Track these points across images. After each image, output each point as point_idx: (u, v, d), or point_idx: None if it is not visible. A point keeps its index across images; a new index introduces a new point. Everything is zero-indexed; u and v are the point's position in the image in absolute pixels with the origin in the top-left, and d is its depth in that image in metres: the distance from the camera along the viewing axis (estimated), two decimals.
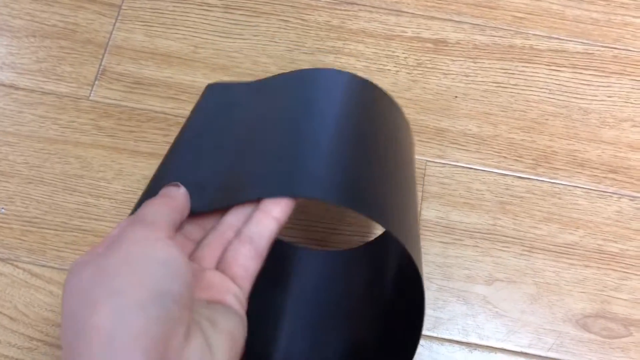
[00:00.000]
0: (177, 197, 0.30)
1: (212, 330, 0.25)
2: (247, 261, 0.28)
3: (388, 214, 0.31)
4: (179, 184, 0.31)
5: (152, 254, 0.24)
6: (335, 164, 0.31)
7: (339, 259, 0.46)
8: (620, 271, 0.49)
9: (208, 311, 0.26)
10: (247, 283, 0.29)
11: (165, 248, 0.25)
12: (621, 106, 0.55)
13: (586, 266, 0.49)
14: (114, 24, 0.56)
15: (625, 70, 0.56)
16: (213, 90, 0.40)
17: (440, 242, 0.50)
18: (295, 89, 0.37)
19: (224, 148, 0.34)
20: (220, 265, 0.29)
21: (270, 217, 0.29)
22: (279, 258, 0.44)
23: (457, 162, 0.52)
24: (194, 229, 0.31)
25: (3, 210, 0.49)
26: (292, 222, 0.50)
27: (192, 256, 0.30)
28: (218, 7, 0.57)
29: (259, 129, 0.34)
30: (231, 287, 0.28)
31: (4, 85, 0.53)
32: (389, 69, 0.55)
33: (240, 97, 0.38)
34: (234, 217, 0.30)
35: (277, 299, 0.43)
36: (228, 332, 0.26)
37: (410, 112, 0.53)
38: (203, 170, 0.33)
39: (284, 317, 0.42)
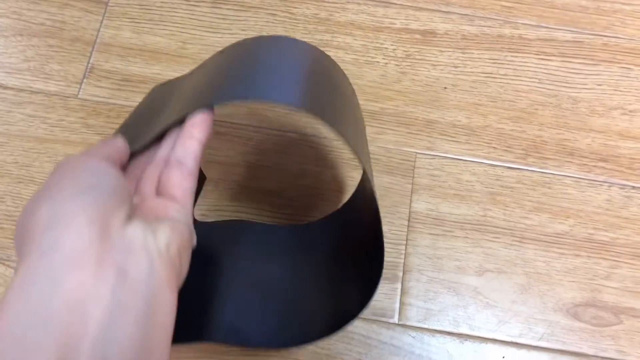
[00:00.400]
0: (115, 141, 0.31)
1: (156, 223, 0.26)
2: (181, 181, 0.29)
3: (336, 118, 0.31)
4: (118, 135, 0.32)
5: (83, 165, 0.26)
6: (285, 77, 0.31)
7: (290, 232, 0.46)
8: (610, 260, 0.49)
9: (154, 222, 0.27)
10: (187, 200, 0.30)
11: (96, 162, 0.26)
12: (610, 94, 0.55)
13: (576, 255, 0.49)
14: (101, 21, 0.56)
15: (614, 58, 0.56)
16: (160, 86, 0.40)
17: (431, 234, 0.50)
18: (239, 48, 0.35)
19: (165, 107, 0.34)
20: (158, 191, 0.30)
21: (192, 139, 0.30)
22: (227, 234, 0.45)
23: (447, 153, 0.52)
24: (137, 171, 0.32)
25: None
26: (277, 216, 0.50)
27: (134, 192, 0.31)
28: (205, 2, 0.57)
29: (202, 81, 0.34)
30: (172, 205, 0.29)
31: None
32: (377, 61, 0.55)
33: (186, 75, 0.38)
34: (163, 150, 0.31)
35: (224, 274, 0.44)
36: (173, 226, 0.27)
37: (399, 105, 0.53)
38: (140, 128, 0.34)
39: (229, 289, 0.43)
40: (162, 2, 0.57)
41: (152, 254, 0.24)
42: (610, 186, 0.52)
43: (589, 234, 0.50)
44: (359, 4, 0.57)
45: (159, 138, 0.32)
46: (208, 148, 0.51)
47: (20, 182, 0.50)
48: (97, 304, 0.21)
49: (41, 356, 0.20)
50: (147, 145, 0.32)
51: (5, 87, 0.53)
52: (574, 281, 0.49)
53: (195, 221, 0.45)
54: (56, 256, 0.22)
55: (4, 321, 0.21)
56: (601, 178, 0.52)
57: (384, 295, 0.48)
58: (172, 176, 0.30)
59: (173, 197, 0.30)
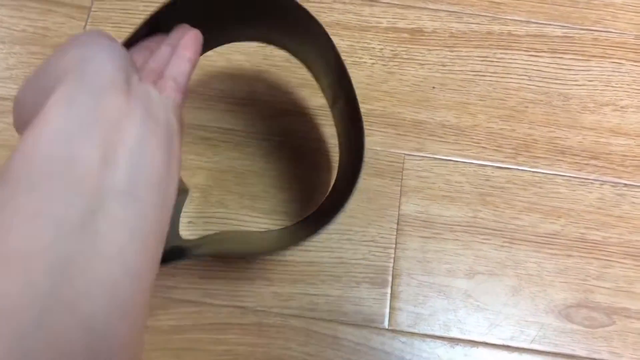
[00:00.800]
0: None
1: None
2: (173, 93, 0.30)
3: None
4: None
5: (98, 36, 0.26)
6: None
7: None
8: (602, 259, 0.49)
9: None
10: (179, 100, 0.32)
11: (107, 38, 0.27)
12: (602, 90, 0.54)
13: (568, 256, 0.49)
14: (84, 27, 0.55)
15: (605, 53, 0.55)
16: None
17: (420, 236, 0.49)
18: None
19: None
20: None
21: (185, 59, 0.31)
22: None
23: (436, 154, 0.51)
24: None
25: None
26: (265, 221, 0.49)
27: None
28: None
29: None
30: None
31: None
32: (364, 62, 0.54)
33: None
34: (154, 63, 0.31)
35: None
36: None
37: (387, 105, 0.53)
38: None
39: None
40: (144, 6, 0.56)
41: (167, 106, 0.27)
42: (602, 184, 0.51)
43: (581, 233, 0.49)
44: (344, 3, 0.56)
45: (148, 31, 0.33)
46: (194, 154, 0.51)
47: None
48: (131, 121, 0.24)
49: (86, 156, 0.22)
50: (137, 36, 0.33)
51: None
52: (565, 282, 0.48)
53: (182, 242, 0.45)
54: (95, 79, 0.23)
55: (53, 122, 0.22)
56: (593, 176, 0.51)
57: (374, 300, 0.47)
58: (167, 86, 0.30)
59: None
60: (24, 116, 0.25)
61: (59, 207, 0.21)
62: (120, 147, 0.23)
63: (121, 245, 0.22)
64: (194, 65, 0.32)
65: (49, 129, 0.22)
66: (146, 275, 0.23)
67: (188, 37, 0.32)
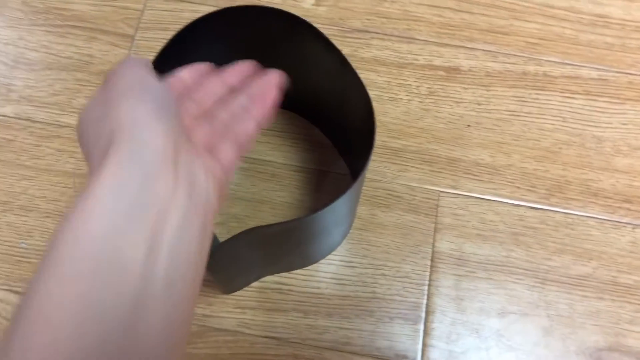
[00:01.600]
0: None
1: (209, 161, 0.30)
2: (231, 155, 0.31)
3: None
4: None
5: (149, 81, 0.27)
6: None
7: None
8: (635, 304, 0.49)
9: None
10: (230, 170, 0.32)
11: (160, 84, 0.27)
12: (636, 134, 0.54)
13: (600, 298, 0.49)
14: (128, 55, 0.57)
15: None
16: None
17: (454, 274, 0.50)
18: None
19: None
20: (207, 148, 0.32)
21: (252, 118, 0.32)
22: None
23: (470, 192, 0.52)
24: (192, 106, 0.33)
25: (23, 244, 0.50)
26: None
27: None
28: None
29: None
30: (216, 165, 0.31)
31: (21, 118, 0.54)
32: (401, 98, 0.55)
33: None
34: (224, 113, 0.33)
35: None
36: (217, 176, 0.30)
37: (422, 142, 0.54)
38: None
39: None
40: None
41: (209, 188, 0.27)
42: (634, 228, 0.51)
43: (613, 276, 0.50)
44: (382, 39, 0.57)
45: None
46: (233, 184, 0.52)
47: (48, 216, 0.51)
48: (175, 207, 0.24)
49: (133, 246, 0.23)
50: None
51: (34, 121, 0.54)
52: (597, 325, 0.48)
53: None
54: (146, 153, 0.24)
55: (102, 205, 0.23)
56: (625, 219, 0.52)
57: (407, 336, 0.48)
58: (223, 150, 0.31)
59: (219, 161, 0.31)
60: (86, 145, 0.27)
61: (102, 294, 0.22)
62: (164, 234, 0.24)
63: (160, 326, 0.23)
64: (259, 128, 0.32)
65: (97, 213, 0.22)
66: (181, 348, 0.25)
67: (265, 86, 0.33)
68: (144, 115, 0.25)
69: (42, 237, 0.51)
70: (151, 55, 0.56)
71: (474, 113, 0.55)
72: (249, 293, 0.49)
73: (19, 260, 0.50)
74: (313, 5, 0.59)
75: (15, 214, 0.51)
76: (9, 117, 0.54)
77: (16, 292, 0.49)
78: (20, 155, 0.53)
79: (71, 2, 0.58)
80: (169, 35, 0.57)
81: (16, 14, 0.58)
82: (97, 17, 0.58)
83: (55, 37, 0.57)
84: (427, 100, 0.55)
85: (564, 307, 0.49)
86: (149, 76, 0.27)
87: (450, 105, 0.55)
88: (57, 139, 0.54)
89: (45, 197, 0.52)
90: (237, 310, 0.49)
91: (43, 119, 0.54)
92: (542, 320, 0.49)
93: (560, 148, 0.54)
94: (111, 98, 0.26)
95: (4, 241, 0.51)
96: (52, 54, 0.57)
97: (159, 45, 0.57)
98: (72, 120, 0.54)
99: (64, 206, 0.52)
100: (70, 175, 0.53)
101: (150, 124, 0.25)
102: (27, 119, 0.54)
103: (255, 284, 0.49)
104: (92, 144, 0.26)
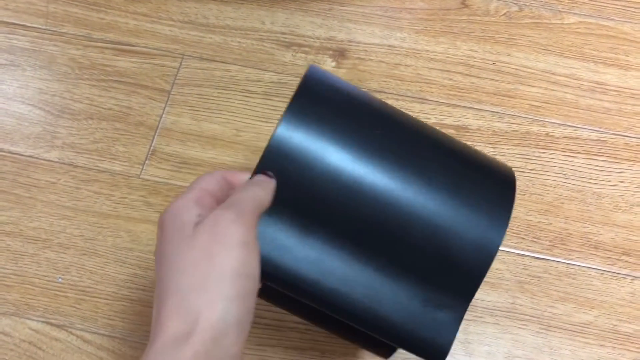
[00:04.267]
0: (267, 187, 0.35)
1: None
2: None
3: None
4: (271, 174, 0.36)
5: (249, 263, 0.31)
6: None
7: None
8: (635, 351, 0.52)
9: None
10: None
11: (256, 258, 0.32)
12: (633, 191, 0.58)
13: (601, 346, 0.52)
14: (164, 108, 0.62)
15: (636, 157, 0.60)
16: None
17: (463, 319, 0.53)
18: None
19: None
20: None
21: None
22: None
23: None
24: None
25: (60, 279, 0.54)
26: None
27: None
28: (258, 94, 0.63)
29: None
30: None
31: (64, 163, 0.59)
32: None
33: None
34: None
35: None
36: None
37: None
38: None
39: None
40: (219, 93, 0.63)
41: None
42: (633, 279, 0.55)
43: (613, 325, 0.53)
44: (397, 99, 0.63)
45: None
46: None
47: (84, 254, 0.55)
48: None
49: None
50: None
51: (75, 166, 0.59)
52: None
53: None
54: None
55: None
56: (625, 271, 0.55)
57: None
58: None
59: None
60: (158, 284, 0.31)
61: None
62: None
63: None
64: None
65: None
66: None
67: None
68: (229, 328, 0.30)
69: (78, 273, 0.54)
70: (185, 109, 0.62)
71: None
72: (268, 330, 0.52)
73: (56, 294, 0.54)
74: (334, 67, 0.64)
75: (54, 251, 0.55)
76: (53, 161, 0.59)
77: (52, 325, 0.52)
78: (61, 197, 0.58)
79: (115, 59, 0.64)
80: (202, 91, 0.63)
81: (64, 69, 0.64)
82: (138, 73, 0.64)
83: (98, 90, 0.63)
84: None
85: (567, 353, 0.52)
86: (251, 261, 0.31)
87: None
88: (96, 182, 0.58)
89: (82, 235, 0.56)
90: (257, 347, 0.52)
91: (84, 164, 0.59)
92: None
93: (562, 203, 0.58)
94: (207, 285, 0.30)
95: (42, 276, 0.54)
96: (95, 106, 0.62)
97: (192, 100, 0.63)
98: (110, 165, 0.59)
99: (100, 245, 0.56)
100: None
101: (230, 341, 0.30)
102: (70, 164, 0.59)
103: (273, 321, 0.53)
104: (172, 305, 0.30)
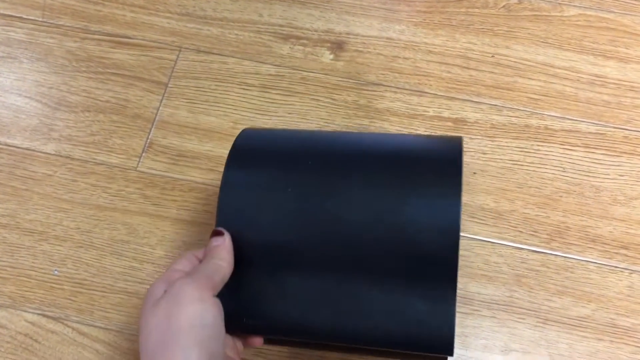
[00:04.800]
0: (222, 252, 0.39)
1: None
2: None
3: None
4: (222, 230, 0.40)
5: (204, 315, 0.35)
6: None
7: None
8: (632, 345, 0.52)
9: None
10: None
11: (211, 310, 0.35)
12: (632, 184, 0.58)
13: (599, 339, 0.52)
14: (161, 101, 0.62)
15: (635, 150, 0.59)
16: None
17: (459, 312, 0.53)
18: None
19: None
20: None
21: None
22: None
23: (476, 235, 0.56)
24: None
25: (56, 272, 0.54)
26: None
27: None
28: (256, 86, 0.63)
29: None
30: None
31: (60, 156, 0.59)
32: None
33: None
34: None
35: None
36: None
37: None
38: None
39: None
40: (216, 85, 0.63)
41: None
42: (631, 273, 0.54)
43: (611, 319, 0.53)
44: (395, 92, 0.62)
45: None
46: None
47: (81, 246, 0.55)
48: None
49: None
50: None
51: (72, 158, 0.59)
52: None
53: None
54: None
55: None
56: (623, 265, 0.55)
57: None
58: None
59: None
60: (142, 347, 0.35)
61: None
62: None
63: None
64: None
65: None
66: None
67: None
68: None
69: (75, 266, 0.54)
70: (182, 102, 0.62)
71: (479, 162, 0.59)
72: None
73: (52, 287, 0.54)
74: (332, 60, 0.64)
75: (50, 244, 0.55)
76: (50, 154, 0.59)
77: (48, 317, 0.52)
78: (58, 189, 0.58)
79: (112, 52, 0.64)
80: (199, 84, 0.63)
81: (61, 62, 0.64)
82: (135, 65, 0.63)
83: (95, 82, 0.63)
84: None
85: (564, 347, 0.51)
86: (205, 313, 0.35)
87: None
88: (93, 175, 0.58)
89: (79, 228, 0.56)
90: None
91: (80, 156, 0.59)
92: (544, 358, 0.51)
93: (560, 196, 0.57)
94: (167, 342, 0.33)
95: (39, 268, 0.54)
96: (92, 98, 0.62)
97: (189, 92, 0.63)
98: (106, 158, 0.59)
99: (96, 237, 0.55)
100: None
101: None
102: (66, 157, 0.59)
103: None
104: (144, 349, 0.34)
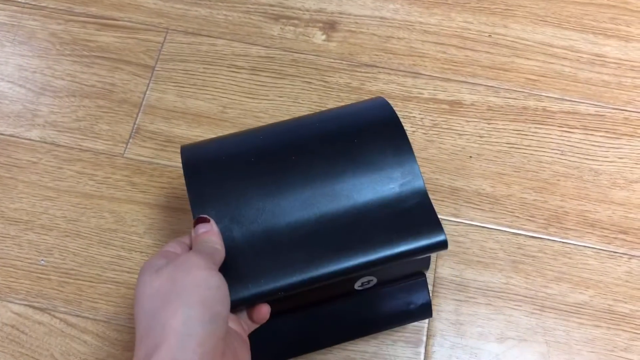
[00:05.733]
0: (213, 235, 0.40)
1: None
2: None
3: None
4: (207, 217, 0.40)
5: (210, 279, 0.35)
6: None
7: None
8: (630, 332, 0.51)
9: (236, 341, 0.38)
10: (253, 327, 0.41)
11: (217, 277, 0.35)
12: (632, 167, 0.56)
13: (596, 326, 0.51)
14: (148, 85, 0.60)
15: (636, 132, 0.58)
16: None
17: (454, 299, 0.52)
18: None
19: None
20: None
21: None
22: None
23: (472, 220, 0.54)
24: None
25: (43, 262, 0.53)
26: None
27: None
28: (245, 69, 0.61)
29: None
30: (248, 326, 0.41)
31: (46, 142, 0.57)
32: (406, 129, 0.58)
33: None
34: None
35: None
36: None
37: (425, 171, 0.56)
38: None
39: None
40: (204, 69, 0.61)
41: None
42: (630, 258, 0.53)
43: (609, 305, 0.51)
44: (389, 74, 0.60)
45: None
46: None
47: (67, 236, 0.54)
48: None
49: None
50: None
51: (58, 145, 0.57)
52: (593, 352, 0.50)
53: None
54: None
55: None
56: (621, 250, 0.53)
57: (408, 359, 0.50)
58: None
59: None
60: (139, 323, 0.34)
61: None
62: None
63: None
64: None
65: None
66: None
67: None
68: (195, 328, 0.32)
69: (61, 255, 0.53)
70: (170, 86, 0.60)
71: (475, 145, 0.57)
72: None
73: (39, 277, 0.52)
74: (324, 41, 0.62)
75: (36, 233, 0.54)
76: (34, 140, 0.58)
77: (35, 308, 0.51)
78: (43, 177, 0.56)
79: (97, 34, 0.62)
80: (187, 67, 0.61)
81: (44, 45, 0.62)
82: (121, 48, 0.62)
83: (80, 66, 0.61)
84: (431, 132, 0.58)
85: (561, 334, 0.50)
86: (210, 278, 0.35)
87: (453, 137, 0.58)
88: (79, 162, 0.57)
89: (65, 217, 0.55)
90: None
91: (66, 143, 0.58)
92: (540, 346, 0.50)
93: (558, 180, 0.56)
94: (170, 299, 0.33)
95: (24, 258, 0.53)
96: (77, 82, 0.60)
97: (177, 76, 0.61)
98: (92, 144, 0.57)
99: (83, 226, 0.54)
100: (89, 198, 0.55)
101: (199, 338, 0.32)
102: (51, 143, 0.57)
103: None
104: (143, 329, 0.33)
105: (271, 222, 0.41)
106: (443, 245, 0.40)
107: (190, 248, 0.40)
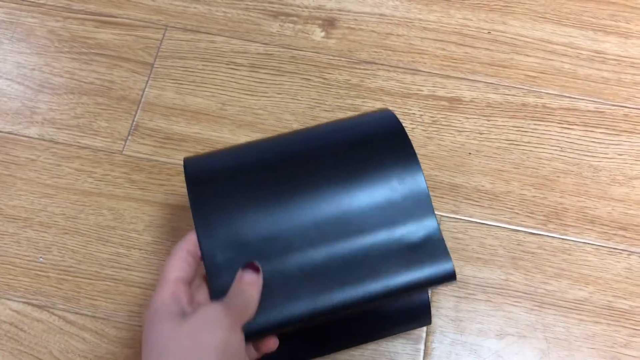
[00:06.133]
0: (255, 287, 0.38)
1: None
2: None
3: None
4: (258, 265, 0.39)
5: (231, 341, 0.35)
6: None
7: None
8: (630, 328, 0.51)
9: None
10: None
11: (239, 337, 0.36)
12: (631, 164, 0.56)
13: (596, 322, 0.51)
14: (147, 82, 0.60)
15: (635, 129, 0.58)
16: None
17: (454, 296, 0.51)
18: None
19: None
20: None
21: None
22: None
23: (471, 217, 0.54)
24: None
25: (41, 259, 0.53)
26: None
27: None
28: (244, 66, 0.61)
29: None
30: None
31: (44, 140, 0.57)
32: (405, 126, 0.58)
33: None
34: None
35: None
36: None
37: (425, 168, 0.56)
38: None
39: None
40: (203, 65, 0.61)
41: None
42: (630, 254, 0.53)
43: (609, 301, 0.51)
44: (388, 70, 0.60)
45: None
46: None
47: (66, 233, 0.54)
48: None
49: None
50: None
51: (56, 142, 0.57)
52: (593, 348, 0.50)
53: None
54: None
55: None
56: (621, 246, 0.53)
57: (408, 355, 0.49)
58: None
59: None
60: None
61: None
62: None
63: None
64: None
65: None
66: None
67: None
68: None
69: (60, 253, 0.53)
70: (169, 83, 0.60)
71: (475, 142, 0.57)
72: None
73: (37, 274, 0.52)
74: (323, 37, 0.62)
75: (34, 230, 0.54)
76: (32, 138, 0.57)
77: (34, 305, 0.51)
78: (42, 174, 0.56)
79: (96, 31, 0.62)
80: (186, 64, 0.61)
81: (43, 42, 0.62)
82: (120, 45, 0.61)
83: (79, 63, 0.61)
84: (430, 129, 0.58)
85: (560, 330, 0.50)
86: (232, 341, 0.35)
87: (453, 133, 0.58)
88: (77, 159, 0.57)
89: (64, 214, 0.54)
90: None
91: (65, 140, 0.57)
92: (540, 342, 0.50)
93: (558, 176, 0.56)
94: (192, 354, 0.33)
95: (23, 255, 0.53)
96: (75, 80, 0.60)
97: (176, 73, 0.61)
98: (91, 141, 0.57)
99: (82, 224, 0.54)
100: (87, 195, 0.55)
101: None
102: (50, 140, 0.57)
103: None
104: None
105: (281, 254, 0.40)
106: (451, 277, 0.40)
107: (201, 258, 0.39)
